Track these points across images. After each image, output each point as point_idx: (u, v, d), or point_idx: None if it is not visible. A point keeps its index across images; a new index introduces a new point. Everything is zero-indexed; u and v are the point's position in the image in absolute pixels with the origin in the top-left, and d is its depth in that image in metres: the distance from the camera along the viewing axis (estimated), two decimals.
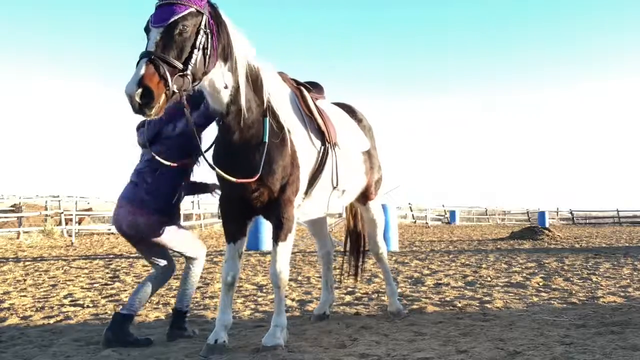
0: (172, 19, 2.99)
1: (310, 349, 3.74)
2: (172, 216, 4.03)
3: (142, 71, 2.85)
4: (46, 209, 21.13)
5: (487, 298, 5.93)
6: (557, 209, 47.47)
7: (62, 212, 19.69)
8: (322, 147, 3.99)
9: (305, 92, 4.10)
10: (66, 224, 19.33)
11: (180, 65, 2.98)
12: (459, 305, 5.54)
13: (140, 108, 2.87)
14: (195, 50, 3.06)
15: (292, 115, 3.84)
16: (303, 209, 4.06)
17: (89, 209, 25.77)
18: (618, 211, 43.73)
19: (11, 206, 23.19)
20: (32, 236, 17.42)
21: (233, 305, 5.63)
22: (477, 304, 5.56)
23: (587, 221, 45.35)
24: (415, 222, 37.01)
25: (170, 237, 4.02)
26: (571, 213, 46.52)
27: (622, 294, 6.13)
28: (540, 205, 46.02)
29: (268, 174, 3.60)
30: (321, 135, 3.98)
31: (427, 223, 34.70)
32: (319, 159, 3.97)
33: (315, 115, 3.97)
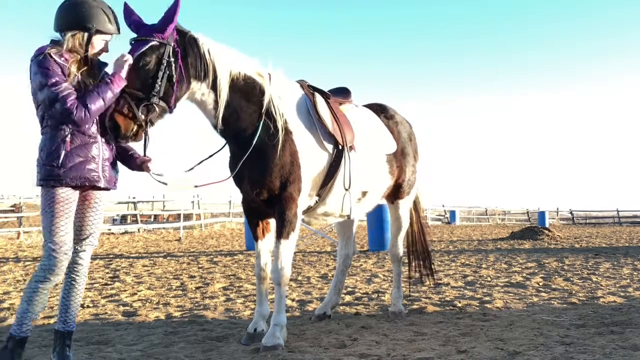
0: (135, 56, 3.31)
1: (310, 349, 3.74)
2: None
3: (112, 107, 3.24)
4: None
5: (487, 298, 5.93)
6: (557, 209, 47.46)
7: None
8: (335, 150, 4.08)
9: (319, 98, 4.19)
10: None
11: (142, 96, 3.30)
12: (459, 305, 5.54)
13: (116, 138, 3.32)
14: (158, 80, 3.35)
15: (297, 119, 3.98)
16: (317, 210, 4.25)
17: None
18: (618, 211, 43.74)
19: (11, 206, 23.20)
20: (32, 236, 17.42)
21: (233, 306, 5.65)
22: (477, 304, 5.56)
23: (587, 221, 45.37)
24: None
25: None
26: (571, 213, 46.53)
27: (622, 294, 6.12)
28: (540, 205, 46.12)
29: (264, 173, 3.77)
30: (333, 139, 4.07)
31: (427, 223, 34.64)
32: (331, 161, 4.07)
33: (324, 120, 4.04)
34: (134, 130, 3.29)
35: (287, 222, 3.82)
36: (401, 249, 5.15)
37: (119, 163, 3.52)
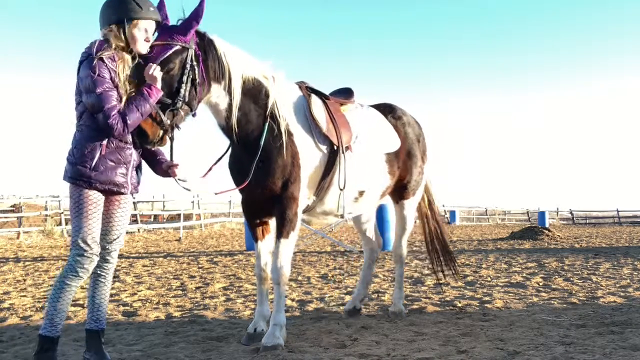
0: (159, 62, 3.25)
1: (310, 349, 3.74)
2: None
3: None
4: (46, 209, 21.13)
5: (487, 298, 5.93)
6: (557, 209, 47.43)
7: (62, 212, 19.68)
8: (330, 151, 4.09)
9: (315, 99, 4.21)
10: (66, 224, 19.29)
11: (168, 101, 3.30)
12: (459, 305, 5.54)
13: (142, 144, 3.33)
14: (183, 85, 3.35)
15: (295, 120, 4.02)
16: (316, 209, 4.29)
17: None
18: (618, 211, 43.73)
19: (11, 206, 23.21)
20: (32, 236, 17.41)
21: (233, 305, 5.65)
22: (477, 304, 5.56)
23: (587, 221, 45.35)
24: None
25: None
26: (571, 213, 46.52)
27: (622, 294, 6.13)
28: (540, 205, 46.00)
29: (267, 174, 3.81)
30: (328, 139, 4.09)
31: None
32: (326, 161, 4.09)
33: (318, 121, 4.06)
34: (160, 135, 3.30)
35: (288, 221, 3.86)
36: (405, 250, 5.16)
37: (144, 167, 3.54)
